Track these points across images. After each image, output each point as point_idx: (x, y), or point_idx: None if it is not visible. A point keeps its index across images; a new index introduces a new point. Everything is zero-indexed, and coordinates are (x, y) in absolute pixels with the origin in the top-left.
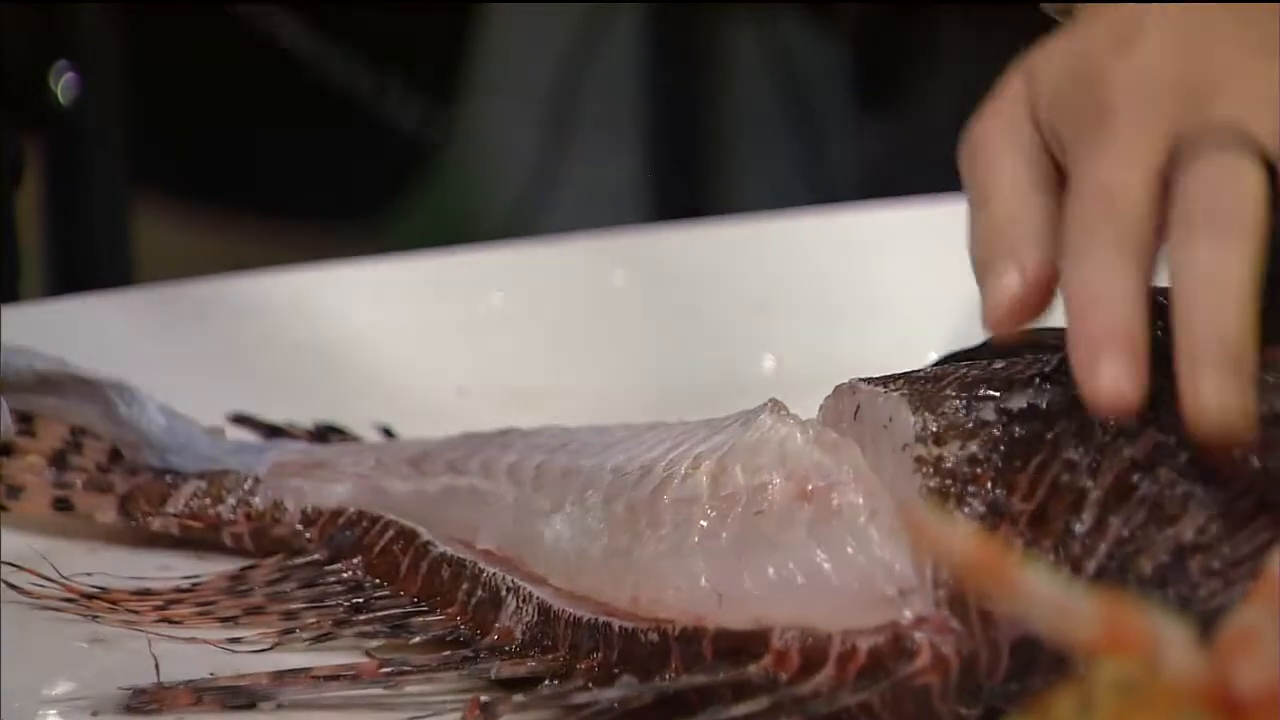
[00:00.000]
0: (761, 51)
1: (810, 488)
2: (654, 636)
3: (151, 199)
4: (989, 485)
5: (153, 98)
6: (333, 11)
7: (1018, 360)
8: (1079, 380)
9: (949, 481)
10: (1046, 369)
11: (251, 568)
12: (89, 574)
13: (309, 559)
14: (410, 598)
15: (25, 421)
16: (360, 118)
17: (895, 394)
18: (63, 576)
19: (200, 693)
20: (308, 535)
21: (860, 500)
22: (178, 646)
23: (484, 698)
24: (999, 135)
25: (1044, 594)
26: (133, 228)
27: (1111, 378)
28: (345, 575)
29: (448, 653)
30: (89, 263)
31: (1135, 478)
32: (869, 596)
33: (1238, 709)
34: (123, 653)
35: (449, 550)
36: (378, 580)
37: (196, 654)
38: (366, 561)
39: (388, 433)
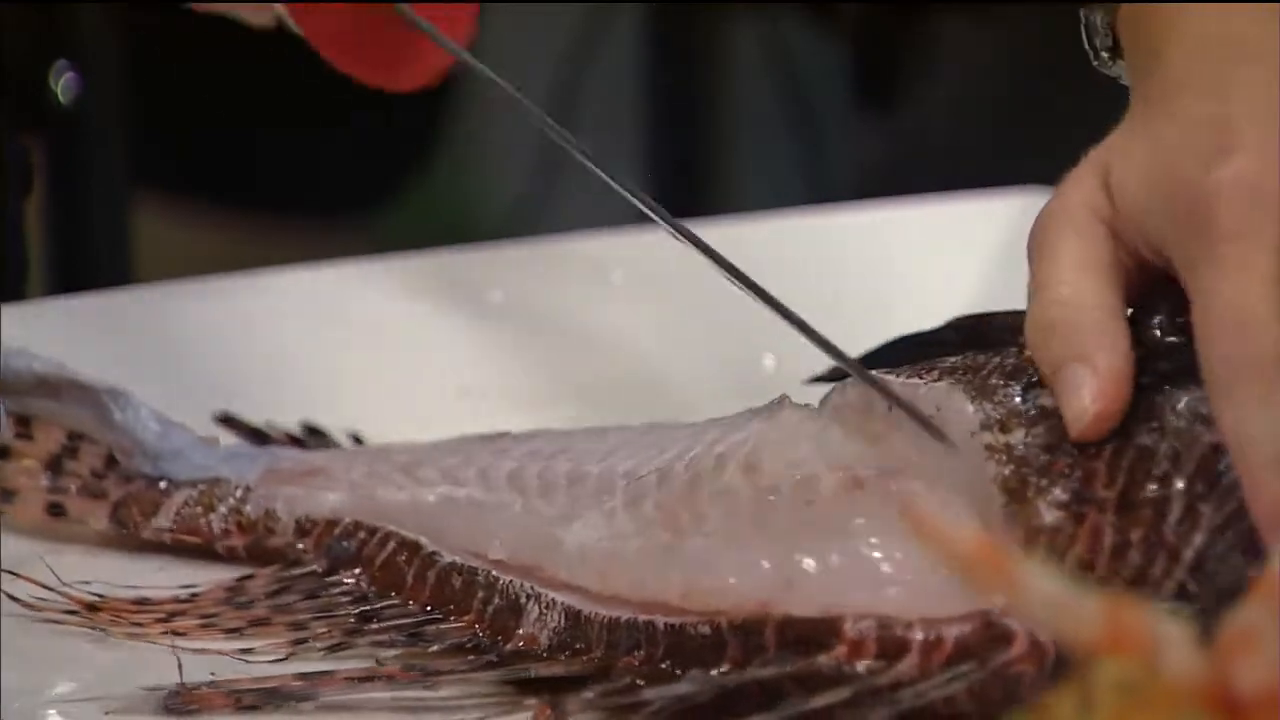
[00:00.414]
0: (761, 51)
1: (863, 476)
2: (705, 629)
3: (151, 198)
4: (1067, 471)
5: (153, 97)
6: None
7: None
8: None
9: (1025, 469)
10: None
11: (249, 578)
12: (88, 581)
13: (307, 570)
14: (420, 606)
15: (23, 424)
16: (360, 117)
17: (943, 384)
18: (64, 584)
19: (238, 695)
20: (301, 546)
21: (922, 488)
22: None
23: (552, 700)
24: (1063, 227)
25: (1046, 593)
26: (133, 227)
27: None
28: (348, 585)
29: (472, 657)
30: (89, 262)
31: (1220, 464)
32: (953, 583)
33: (1238, 709)
34: (124, 651)
35: (458, 559)
36: (382, 591)
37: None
38: (369, 573)
39: (357, 439)
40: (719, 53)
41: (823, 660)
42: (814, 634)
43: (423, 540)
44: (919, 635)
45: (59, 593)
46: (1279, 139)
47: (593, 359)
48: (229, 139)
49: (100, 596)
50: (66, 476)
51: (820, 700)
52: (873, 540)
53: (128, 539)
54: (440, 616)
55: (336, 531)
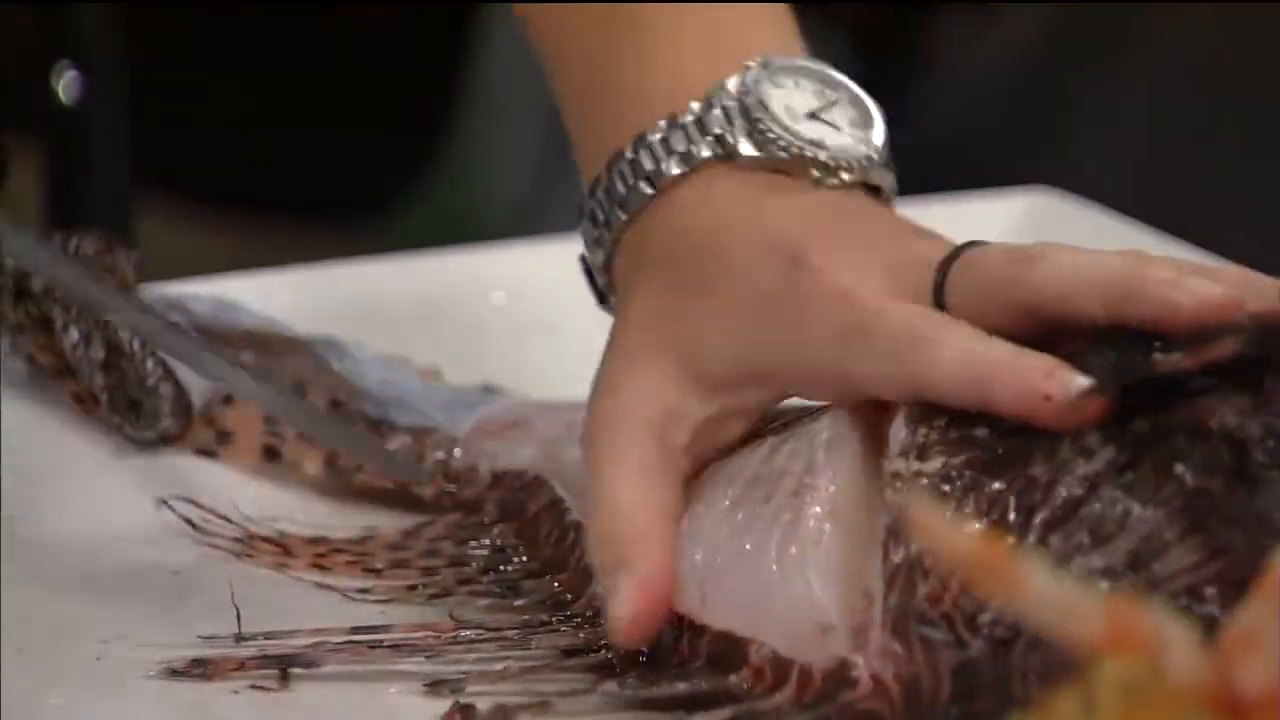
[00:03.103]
0: None
1: (800, 486)
2: (674, 626)
3: (153, 199)
4: (951, 499)
5: (155, 98)
6: (336, 12)
7: None
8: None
9: (912, 494)
10: None
11: (427, 524)
12: (274, 519)
13: (477, 519)
14: (537, 562)
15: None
16: (363, 119)
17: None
18: (245, 518)
19: (242, 661)
20: (489, 497)
21: (820, 511)
22: (282, 590)
23: (464, 701)
24: (617, 432)
25: (1048, 593)
26: (135, 228)
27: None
28: (495, 535)
29: (524, 617)
30: None
31: (1081, 495)
32: (806, 627)
33: (1241, 709)
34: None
35: (582, 518)
36: (519, 544)
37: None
38: (517, 525)
39: None
40: None
41: (732, 680)
42: (732, 652)
43: (565, 497)
44: (796, 668)
45: (238, 524)
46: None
47: (596, 360)
48: (231, 140)
49: (281, 532)
50: (284, 422)
51: (699, 718)
52: (767, 565)
53: (339, 485)
54: (542, 573)
55: (517, 484)
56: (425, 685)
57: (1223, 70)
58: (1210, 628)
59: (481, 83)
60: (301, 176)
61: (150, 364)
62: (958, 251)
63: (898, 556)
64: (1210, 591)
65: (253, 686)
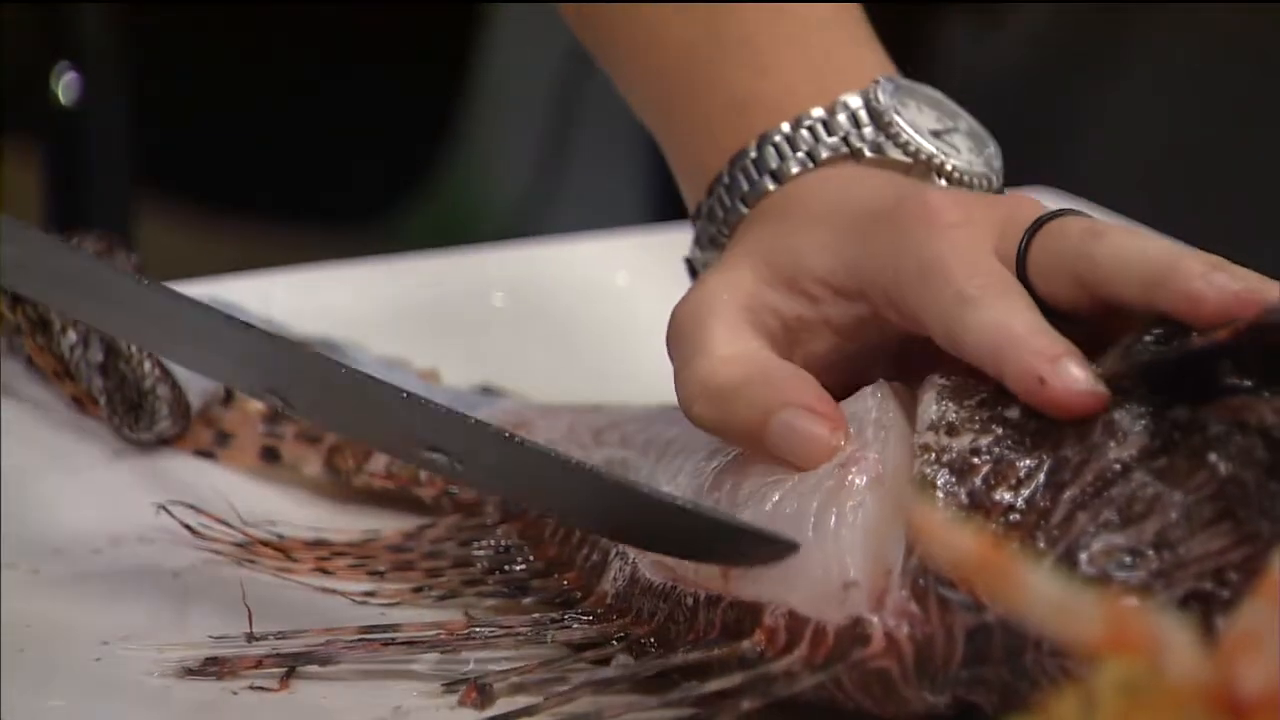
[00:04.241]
0: None
1: (848, 458)
2: (689, 602)
3: (153, 199)
4: (979, 477)
5: (154, 99)
6: (337, 13)
7: None
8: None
9: (944, 469)
10: None
11: (428, 526)
12: (273, 523)
13: (479, 521)
14: (543, 561)
15: None
16: (364, 121)
17: (937, 380)
18: (243, 523)
19: (259, 659)
20: (490, 498)
21: (863, 481)
22: (290, 593)
23: (481, 680)
24: (708, 312)
25: (1048, 594)
26: (134, 228)
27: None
28: (499, 536)
29: (534, 614)
30: None
31: (1112, 476)
32: (831, 586)
33: (1242, 710)
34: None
35: None
36: (524, 544)
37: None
38: (520, 526)
39: None
40: None
41: (745, 645)
42: (746, 618)
43: None
44: (811, 627)
45: (238, 530)
46: None
47: (596, 360)
48: (231, 140)
49: (280, 536)
50: (285, 423)
51: (713, 685)
52: (805, 524)
53: (338, 487)
54: (548, 572)
55: None
56: (444, 685)
57: (1224, 71)
58: (1230, 612)
59: (482, 84)
60: (301, 178)
61: (148, 365)
62: (1046, 217)
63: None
64: (1234, 577)
65: (252, 688)
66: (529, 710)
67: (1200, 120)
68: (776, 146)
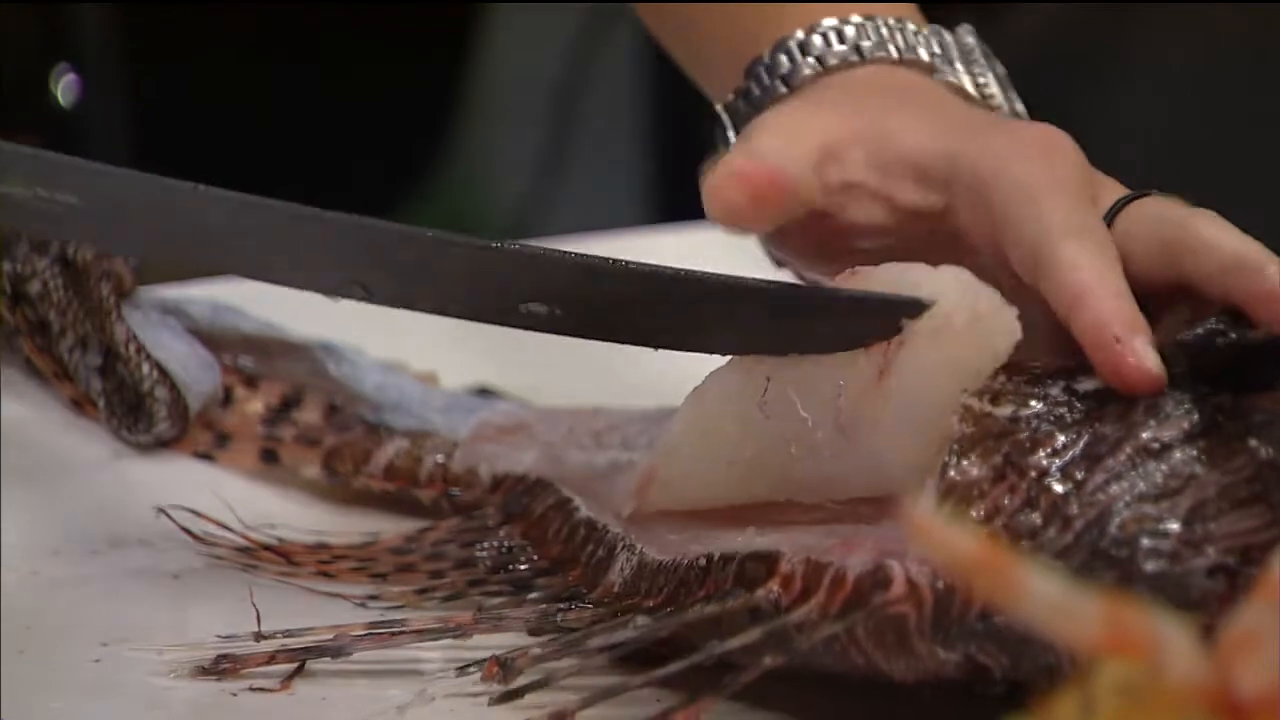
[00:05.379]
0: None
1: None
2: (701, 563)
3: None
4: (1011, 442)
5: (154, 99)
6: (337, 14)
7: None
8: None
9: (981, 432)
10: None
11: (429, 529)
12: (273, 526)
13: (479, 522)
14: (547, 560)
15: (249, 380)
16: (364, 122)
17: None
18: (245, 526)
19: (272, 654)
20: (490, 500)
21: (893, 384)
22: (288, 597)
23: (502, 656)
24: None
25: (1046, 595)
26: None
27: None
28: (502, 537)
29: (541, 607)
30: None
31: (1150, 454)
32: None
33: (1240, 711)
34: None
35: (592, 515)
36: (526, 544)
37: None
38: (524, 526)
39: None
40: None
41: (759, 595)
42: (761, 568)
43: (575, 498)
44: (830, 573)
45: (238, 534)
46: None
47: (595, 360)
48: (230, 141)
49: (279, 540)
50: (284, 425)
51: (733, 643)
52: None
53: (339, 490)
54: (553, 571)
55: (519, 488)
56: (457, 668)
57: (1224, 71)
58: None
59: (482, 85)
60: (301, 178)
61: (146, 368)
62: (1142, 193)
63: (954, 473)
64: (1262, 557)
65: (252, 689)
66: (549, 679)
67: (1200, 120)
68: (824, 35)
